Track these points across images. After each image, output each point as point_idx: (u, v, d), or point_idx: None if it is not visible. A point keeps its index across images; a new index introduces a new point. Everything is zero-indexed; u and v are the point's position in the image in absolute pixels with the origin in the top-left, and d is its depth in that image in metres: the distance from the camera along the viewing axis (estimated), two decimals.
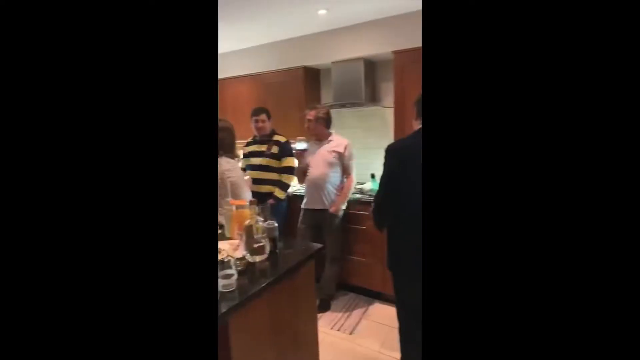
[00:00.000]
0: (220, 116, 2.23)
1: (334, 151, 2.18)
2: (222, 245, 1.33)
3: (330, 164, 2.18)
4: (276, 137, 2.44)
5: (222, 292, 1.02)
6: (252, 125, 2.45)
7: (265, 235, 1.28)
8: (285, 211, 2.49)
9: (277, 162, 2.40)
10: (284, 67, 2.82)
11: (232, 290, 1.04)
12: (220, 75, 3.23)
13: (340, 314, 2.25)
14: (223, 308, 0.96)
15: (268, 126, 2.45)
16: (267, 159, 2.40)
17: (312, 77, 2.85)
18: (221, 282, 1.02)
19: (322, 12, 2.21)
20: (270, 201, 2.30)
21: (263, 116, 2.42)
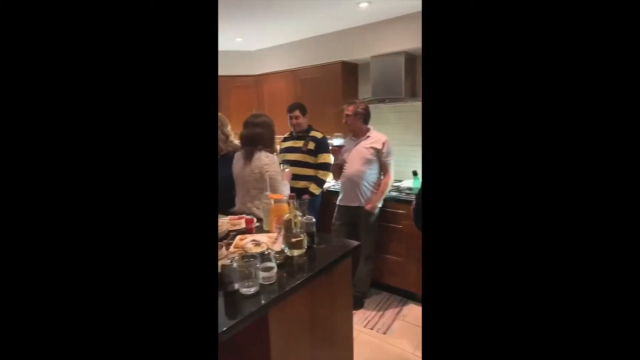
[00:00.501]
0: (258, 112, 2.27)
1: (371, 147, 2.14)
2: (261, 237, 1.35)
3: (368, 161, 2.15)
4: (312, 133, 2.45)
5: (262, 284, 1.03)
6: (288, 122, 2.47)
7: (303, 230, 1.29)
8: (319, 207, 2.49)
9: (313, 158, 2.41)
10: (322, 62, 2.81)
11: (272, 283, 1.05)
12: (258, 71, 3.29)
13: (373, 313, 2.22)
14: (263, 300, 0.97)
15: (303, 122, 2.46)
16: (303, 155, 2.41)
17: (349, 72, 2.82)
18: (262, 274, 1.04)
19: (363, 5, 2.17)
20: (306, 196, 2.31)
21: (297, 112, 2.42)
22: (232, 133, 2.08)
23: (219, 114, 2.09)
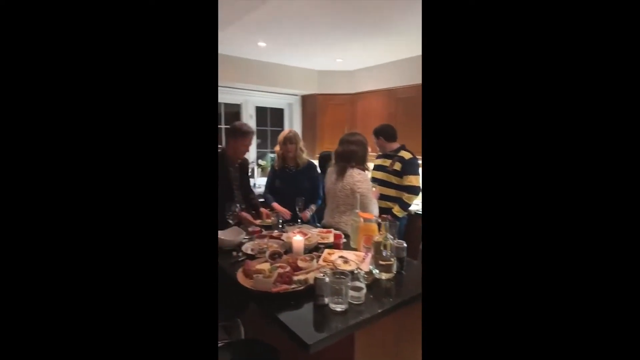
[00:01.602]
0: (352, 130, 2.33)
1: None
2: (349, 255, 1.37)
3: None
4: (401, 153, 2.38)
5: (350, 304, 1.04)
6: None
7: (393, 253, 1.26)
8: (404, 230, 2.41)
9: (398, 179, 2.34)
10: (420, 82, 2.76)
11: (359, 304, 1.05)
12: (355, 90, 3.39)
13: None
14: (351, 319, 0.98)
15: (386, 145, 2.44)
16: (388, 175, 2.37)
17: None
18: (351, 293, 1.05)
19: None
20: (388, 217, 2.26)
21: (371, 137, 2.42)
22: (305, 149, 2.23)
23: (294, 130, 2.23)
